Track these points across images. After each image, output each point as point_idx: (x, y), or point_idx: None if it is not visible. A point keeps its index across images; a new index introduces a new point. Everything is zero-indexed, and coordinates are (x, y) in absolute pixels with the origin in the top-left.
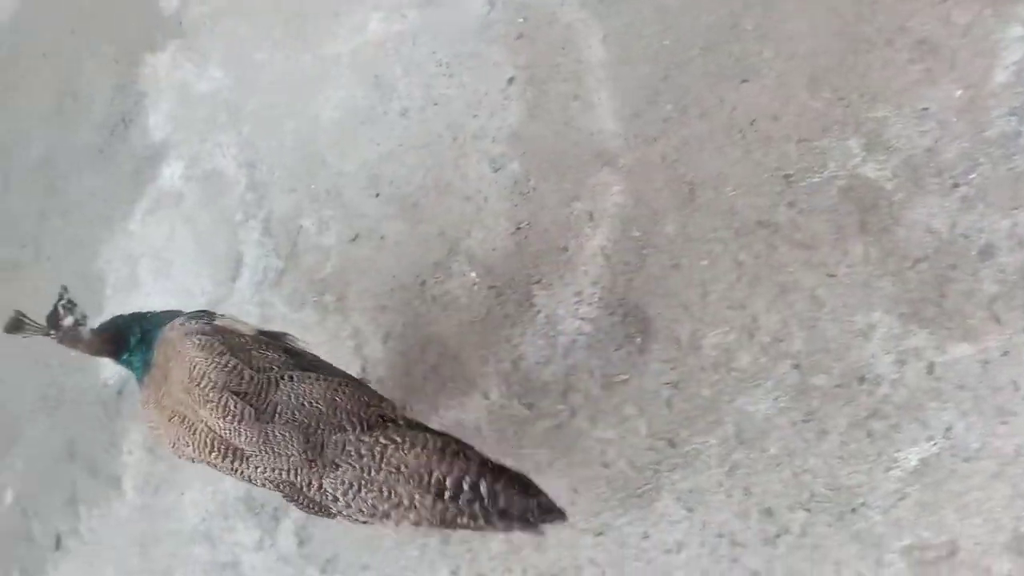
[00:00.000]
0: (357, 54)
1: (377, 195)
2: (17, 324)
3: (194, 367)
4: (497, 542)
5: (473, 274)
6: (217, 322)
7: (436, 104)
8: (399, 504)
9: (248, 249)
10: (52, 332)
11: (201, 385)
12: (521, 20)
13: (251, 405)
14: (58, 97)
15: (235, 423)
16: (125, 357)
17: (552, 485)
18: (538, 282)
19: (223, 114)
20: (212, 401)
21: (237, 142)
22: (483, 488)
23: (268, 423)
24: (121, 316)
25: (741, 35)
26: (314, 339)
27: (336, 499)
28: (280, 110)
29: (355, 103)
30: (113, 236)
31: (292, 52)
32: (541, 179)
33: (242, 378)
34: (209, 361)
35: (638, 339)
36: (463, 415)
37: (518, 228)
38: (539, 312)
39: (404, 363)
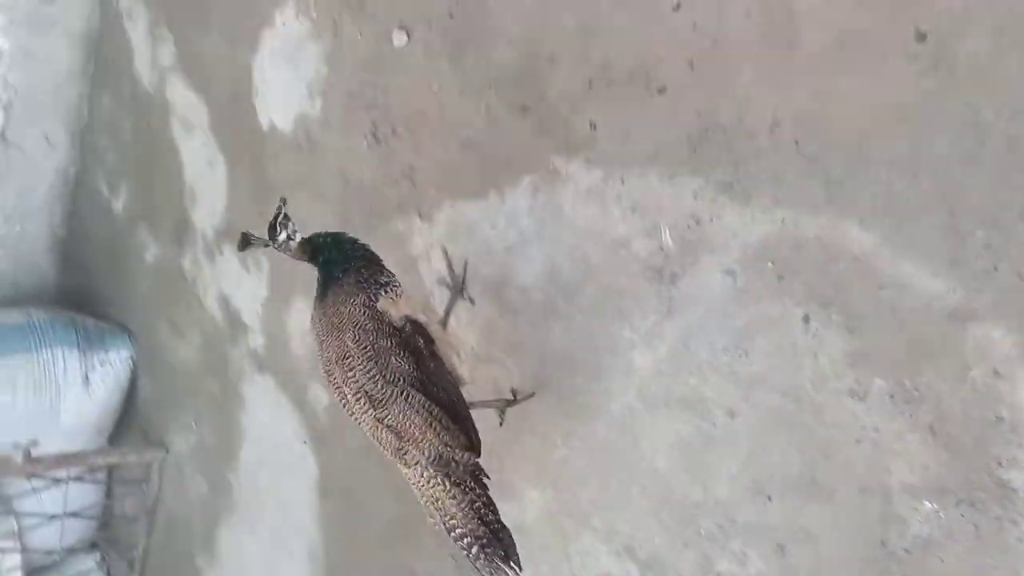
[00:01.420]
0: (645, 394)
1: (769, 498)
2: (246, 242)
3: (347, 356)
4: None
5: (927, 504)
6: (380, 304)
7: (753, 386)
8: (430, 512)
9: None
10: (270, 243)
11: (348, 374)
12: (770, 265)
13: (374, 408)
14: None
15: (361, 413)
16: (319, 265)
17: None
18: (1000, 465)
19: (570, 524)
20: (351, 389)
21: (608, 549)
22: (474, 550)
23: (380, 422)
24: (323, 239)
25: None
26: None
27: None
28: (620, 497)
29: (681, 437)
30: None
31: (584, 444)
32: (914, 375)
33: (376, 385)
34: (359, 360)
35: None
36: None
37: (932, 433)
38: None
39: None
